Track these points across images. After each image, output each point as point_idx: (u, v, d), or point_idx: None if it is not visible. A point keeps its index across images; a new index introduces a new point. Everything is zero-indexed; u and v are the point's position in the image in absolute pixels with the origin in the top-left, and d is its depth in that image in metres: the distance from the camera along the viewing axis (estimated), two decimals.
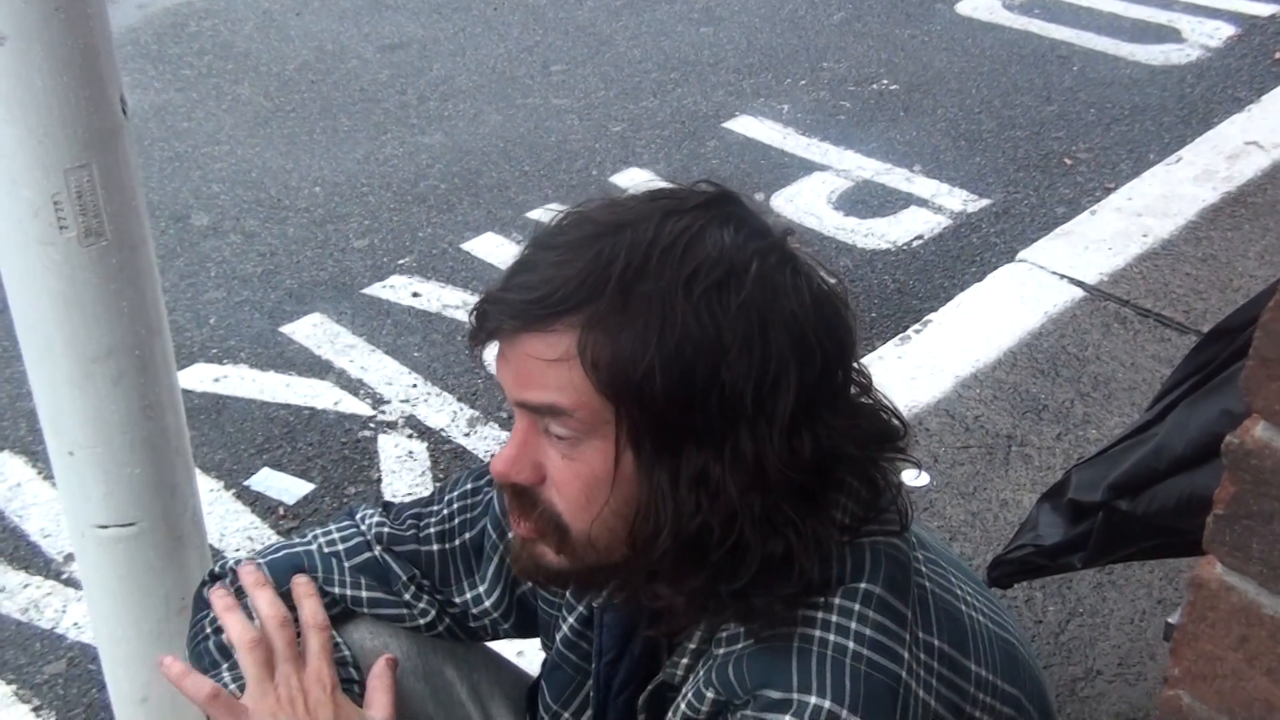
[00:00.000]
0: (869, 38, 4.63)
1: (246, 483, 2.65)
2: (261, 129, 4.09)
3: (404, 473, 2.66)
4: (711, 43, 4.64)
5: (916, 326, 2.93)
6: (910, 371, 2.74)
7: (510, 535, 1.10)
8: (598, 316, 0.88)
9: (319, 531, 1.26)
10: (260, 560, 1.24)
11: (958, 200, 3.59)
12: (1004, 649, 1.03)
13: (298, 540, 1.26)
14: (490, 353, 0.96)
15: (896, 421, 1.00)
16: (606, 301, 0.88)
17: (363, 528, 1.25)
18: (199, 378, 2.95)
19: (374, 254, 3.42)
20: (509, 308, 0.91)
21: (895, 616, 0.93)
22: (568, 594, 1.15)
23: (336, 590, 1.22)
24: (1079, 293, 3.00)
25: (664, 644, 1.06)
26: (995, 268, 3.17)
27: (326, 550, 1.23)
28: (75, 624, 2.32)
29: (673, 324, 0.87)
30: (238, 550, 2.48)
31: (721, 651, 0.95)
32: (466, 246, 3.45)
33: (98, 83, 1.27)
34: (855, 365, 0.97)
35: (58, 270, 1.35)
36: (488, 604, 1.22)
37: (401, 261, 3.38)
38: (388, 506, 1.27)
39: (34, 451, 2.69)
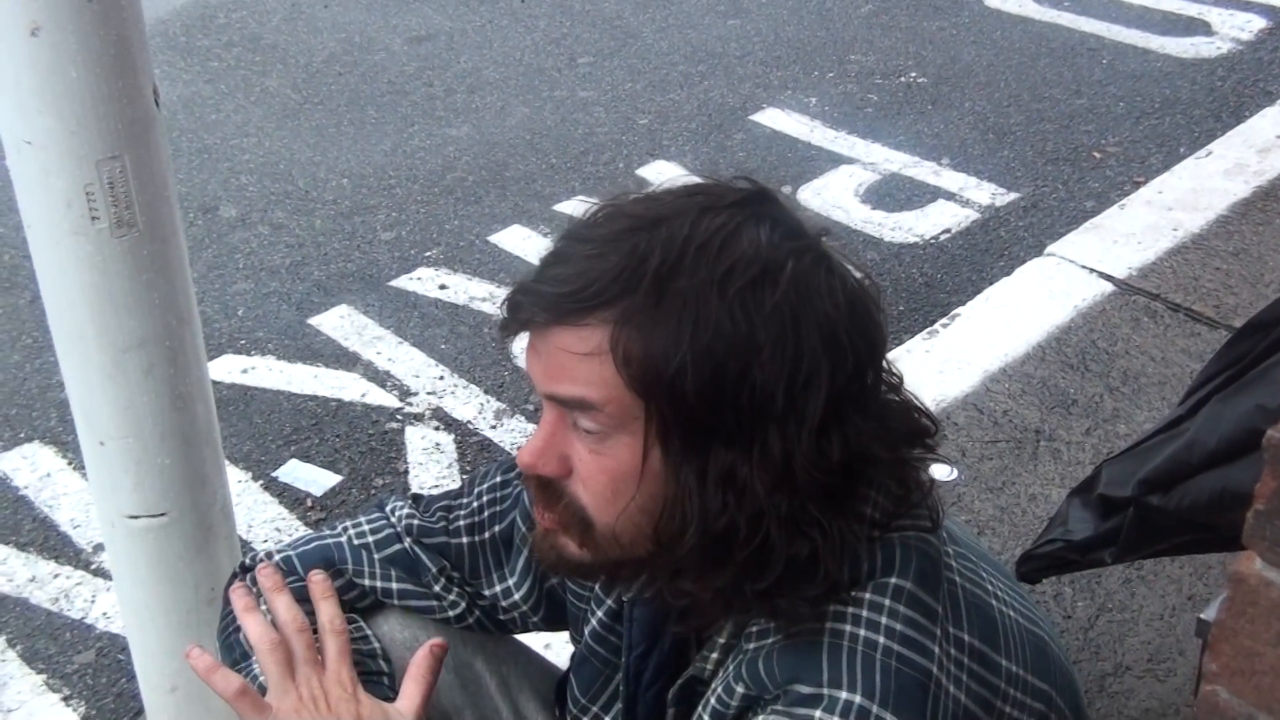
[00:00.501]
0: (897, 30, 4.61)
1: (274, 474, 2.66)
2: (289, 121, 4.10)
3: (431, 465, 2.67)
4: (739, 35, 4.62)
5: (944, 320, 2.91)
6: (938, 366, 2.72)
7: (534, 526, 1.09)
8: (631, 312, 0.87)
9: (349, 524, 1.27)
10: (291, 552, 1.25)
11: (986, 194, 3.57)
12: (1035, 644, 1.02)
13: (328, 532, 1.27)
14: (519, 344, 0.96)
15: (927, 420, 0.99)
16: (640, 297, 0.87)
17: (392, 520, 1.26)
18: (227, 369, 2.96)
19: (401, 246, 3.43)
20: (542, 299, 0.90)
21: (926, 611, 0.93)
22: (596, 587, 1.15)
23: (366, 582, 1.23)
24: (1108, 287, 2.97)
25: (693, 638, 1.06)
26: (1024, 262, 3.15)
27: (357, 542, 1.24)
28: (105, 614, 2.34)
29: (706, 322, 0.86)
30: (265, 542, 2.49)
31: (751, 646, 0.95)
32: (494, 239, 3.45)
33: (130, 74, 1.27)
34: (885, 364, 0.97)
35: (89, 261, 1.35)
36: (517, 596, 1.22)
37: (428, 254, 3.39)
38: (417, 499, 1.28)
39: (64, 442, 2.71)
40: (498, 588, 1.22)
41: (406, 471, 2.65)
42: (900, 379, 0.99)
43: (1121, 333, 2.81)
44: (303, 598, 1.23)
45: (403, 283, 3.27)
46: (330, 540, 1.24)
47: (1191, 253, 3.08)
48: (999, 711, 0.96)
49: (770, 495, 0.89)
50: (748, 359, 0.87)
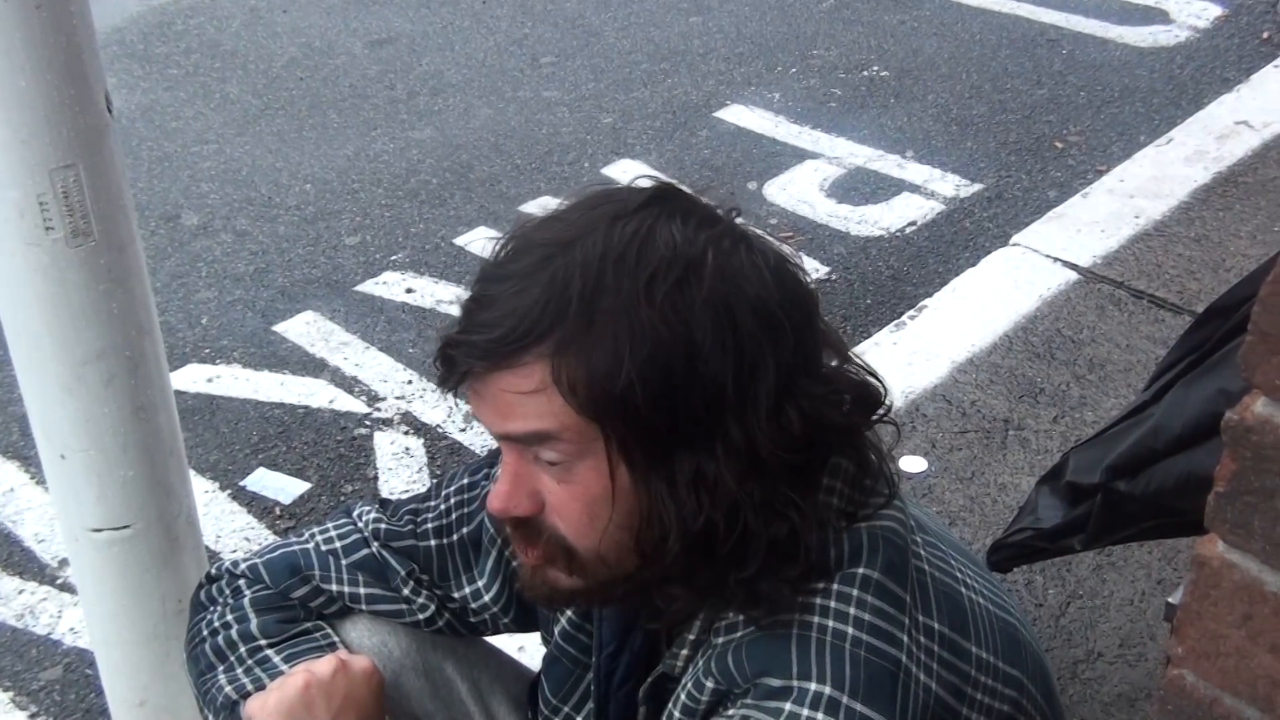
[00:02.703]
0: (858, 24, 4.62)
1: (242, 483, 2.64)
2: (250, 127, 4.07)
3: (400, 469, 2.65)
4: (701, 32, 4.62)
5: (911, 312, 2.92)
6: (906, 358, 2.73)
7: (518, 564, 1.08)
8: (566, 341, 0.87)
9: (316, 530, 1.26)
10: (257, 560, 1.24)
11: (950, 185, 3.58)
12: (1005, 631, 1.02)
13: (294, 540, 1.25)
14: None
15: (870, 377, 0.99)
16: (571, 324, 0.87)
17: (359, 525, 1.25)
18: (192, 378, 2.94)
19: (366, 251, 3.41)
20: (474, 349, 0.90)
21: (894, 601, 0.93)
22: None
23: (334, 588, 1.22)
24: (1073, 275, 2.99)
25: (664, 635, 1.06)
26: (989, 252, 3.16)
27: (324, 549, 1.23)
28: (71, 629, 2.31)
29: (642, 333, 0.86)
30: (234, 551, 2.47)
31: (720, 640, 0.95)
32: (459, 241, 3.43)
33: (82, 81, 1.25)
34: (822, 324, 0.97)
35: (45, 272, 1.33)
36: (487, 598, 1.21)
37: (394, 258, 3.37)
38: (385, 503, 1.27)
39: (26, 456, 2.67)
40: (467, 589, 1.22)
41: (376, 477, 2.63)
42: (838, 336, 0.99)
43: (1087, 321, 2.83)
44: (270, 606, 1.22)
45: (368, 287, 3.25)
46: (297, 547, 1.23)
47: (1154, 240, 3.11)
48: (970, 699, 0.96)
49: (741, 484, 0.89)
50: (691, 359, 0.87)
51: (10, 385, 2.82)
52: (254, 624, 1.19)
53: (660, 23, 4.70)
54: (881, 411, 0.99)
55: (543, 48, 4.55)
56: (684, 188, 0.96)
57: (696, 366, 0.87)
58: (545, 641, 1.21)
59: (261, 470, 2.68)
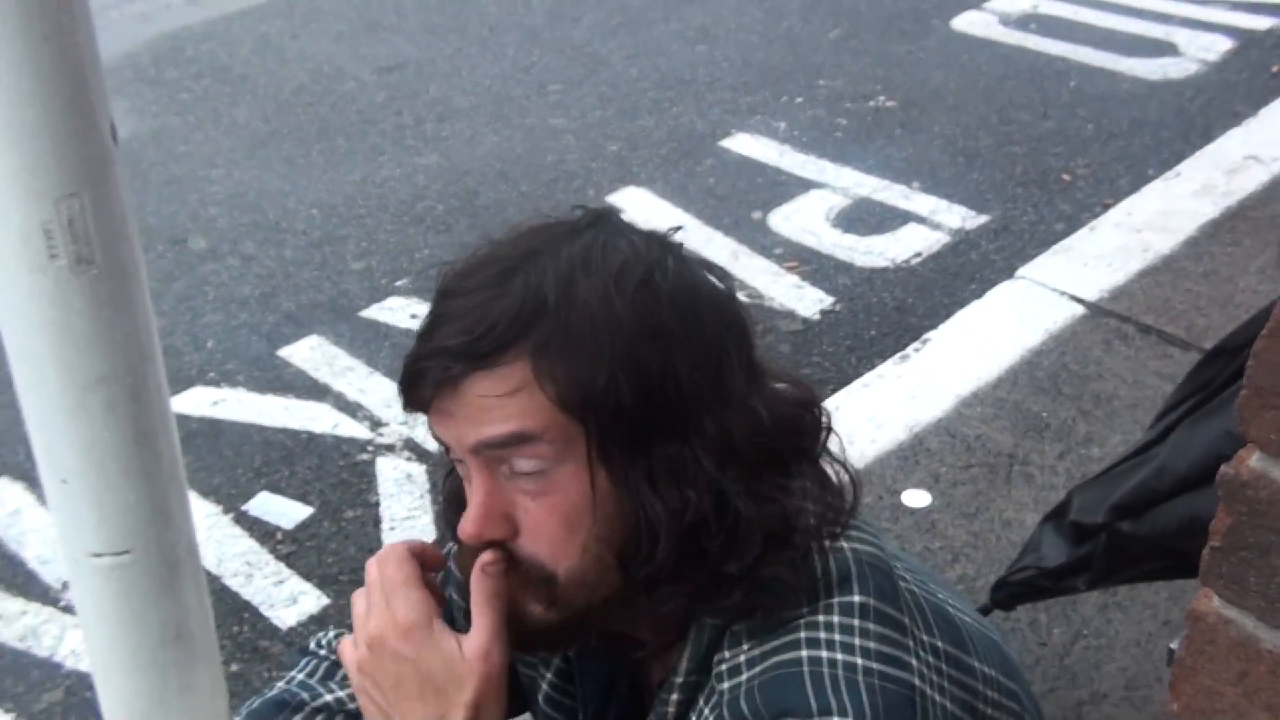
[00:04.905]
0: (865, 54, 4.63)
1: (244, 507, 2.64)
2: (259, 151, 4.08)
3: (402, 495, 2.64)
4: (707, 61, 4.64)
5: (916, 345, 2.92)
6: (910, 390, 2.73)
7: None
8: (545, 339, 0.88)
9: (282, 681, 1.23)
10: (239, 718, 1.21)
11: (956, 217, 3.58)
12: (993, 646, 1.03)
13: (268, 690, 1.23)
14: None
15: (807, 388, 1.01)
16: (550, 322, 0.88)
17: (322, 652, 1.23)
18: (197, 401, 2.94)
19: (372, 276, 3.41)
20: (449, 354, 0.89)
21: (894, 624, 0.92)
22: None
23: (329, 698, 1.19)
24: (1079, 309, 2.98)
25: (653, 681, 1.04)
26: (994, 285, 3.16)
27: (301, 679, 1.21)
28: (73, 651, 2.30)
29: (618, 328, 0.88)
30: (235, 575, 2.46)
31: (727, 686, 0.93)
32: None
33: (88, 111, 1.25)
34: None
35: (49, 298, 1.33)
36: None
37: (399, 283, 3.38)
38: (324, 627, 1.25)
39: (32, 478, 2.67)
40: None
41: (378, 503, 2.63)
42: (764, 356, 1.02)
43: (1093, 355, 2.82)
44: None
45: (374, 312, 3.25)
46: (273, 691, 1.21)
47: (1162, 274, 3.10)
48: (981, 714, 0.96)
49: (723, 472, 0.90)
50: (665, 351, 0.89)
51: (16, 406, 2.82)
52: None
53: (667, 51, 4.72)
54: (825, 423, 1.00)
55: (549, 75, 4.57)
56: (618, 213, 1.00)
57: (671, 357, 0.89)
58: (533, 713, 1.19)
59: (264, 494, 2.67)
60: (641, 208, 3.69)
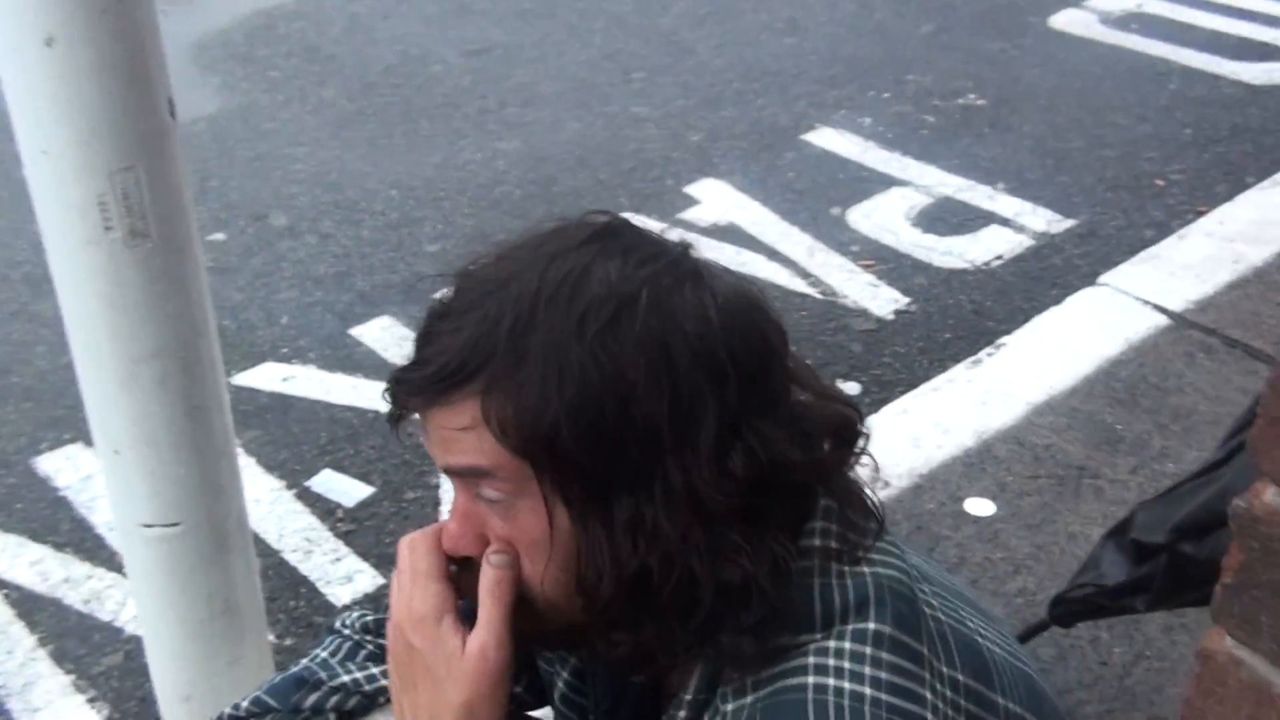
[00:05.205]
0: (957, 51, 4.54)
1: (308, 483, 2.67)
2: (343, 131, 4.13)
3: None
4: (795, 53, 4.58)
5: (990, 349, 2.85)
6: (981, 396, 2.66)
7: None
8: (495, 379, 0.86)
9: (306, 657, 1.25)
10: (258, 692, 1.22)
11: (1041, 220, 3.49)
12: (1025, 681, 0.98)
13: (292, 667, 1.24)
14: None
15: (848, 409, 0.95)
16: (500, 362, 0.85)
17: (346, 631, 1.24)
18: (268, 377, 2.98)
19: (446, 259, 3.43)
20: (410, 386, 0.90)
21: (910, 655, 0.89)
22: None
23: (346, 679, 1.20)
24: (1163, 320, 2.89)
25: (672, 690, 1.02)
26: (1076, 291, 3.07)
27: (322, 658, 1.22)
28: (134, 617, 2.35)
29: (570, 372, 0.84)
30: (294, 551, 2.49)
31: (730, 708, 0.91)
32: None
33: (145, 85, 1.27)
34: (791, 361, 0.93)
35: (103, 271, 1.35)
36: None
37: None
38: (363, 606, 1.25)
39: None
40: None
41: (438, 485, 2.64)
42: (811, 371, 0.95)
43: (1174, 368, 2.73)
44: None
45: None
46: (295, 668, 1.22)
47: (1252, 287, 2.99)
48: None
49: (682, 529, 0.86)
50: (623, 399, 0.84)
51: None
52: None
53: (754, 42, 4.67)
54: (861, 445, 0.95)
55: (635, 63, 4.55)
56: (633, 225, 0.94)
57: (629, 408, 0.84)
58: (552, 707, 1.19)
59: (327, 472, 2.70)
60: (719, 200, 3.66)
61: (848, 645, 0.88)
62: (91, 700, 2.20)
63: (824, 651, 0.88)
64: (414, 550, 0.98)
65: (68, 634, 2.32)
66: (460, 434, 0.88)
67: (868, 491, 0.95)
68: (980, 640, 0.95)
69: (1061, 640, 2.04)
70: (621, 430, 0.84)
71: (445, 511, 2.58)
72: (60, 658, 2.27)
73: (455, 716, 0.92)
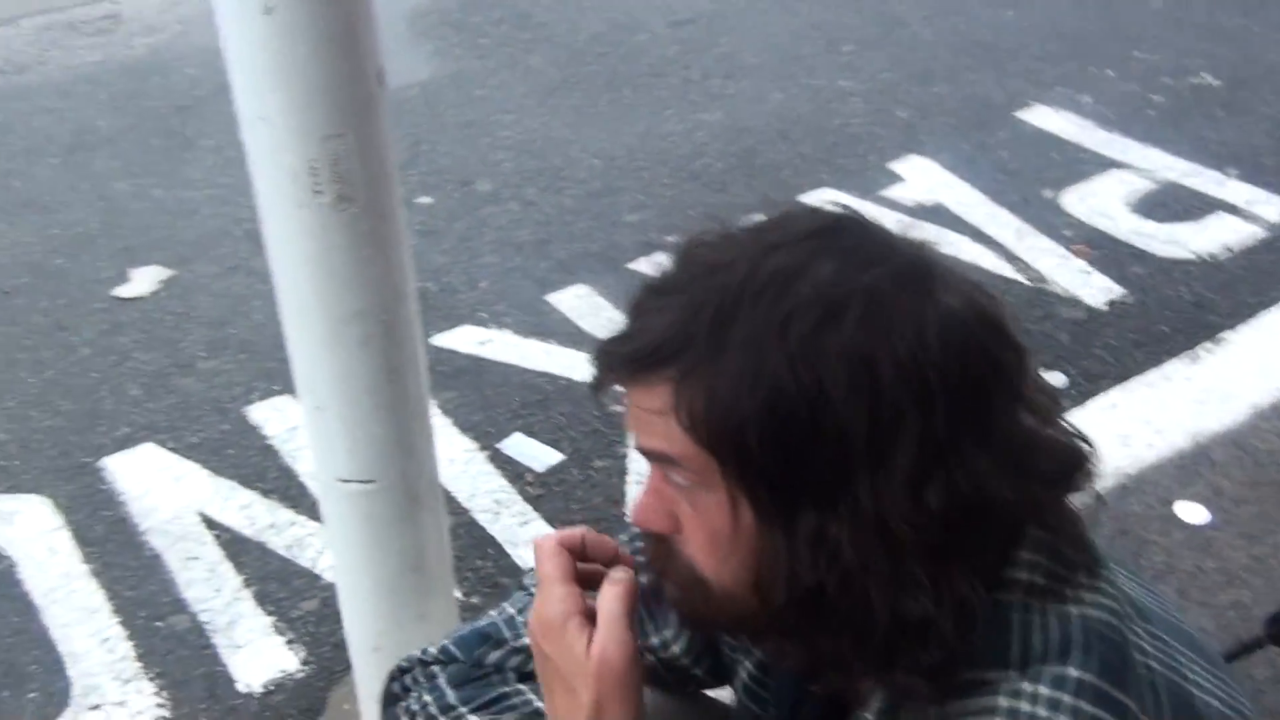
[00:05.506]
0: (1190, 26, 4.27)
1: (499, 446, 2.72)
2: (549, 99, 4.18)
3: None
4: (1013, 26, 4.40)
5: (1210, 345, 2.68)
6: (1198, 394, 2.51)
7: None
8: (691, 367, 0.82)
9: (495, 610, 1.25)
10: (446, 641, 1.23)
11: (1275, 210, 3.26)
12: None
13: (481, 619, 1.25)
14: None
15: (1080, 443, 0.88)
16: (699, 350, 0.82)
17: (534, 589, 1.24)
18: (465, 339, 3.05)
19: (644, 230, 3.43)
20: (611, 360, 0.88)
21: (1112, 706, 0.82)
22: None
23: (528, 640, 1.21)
24: None
25: (855, 702, 0.98)
26: None
27: (509, 615, 1.22)
28: (330, 566, 2.44)
29: (766, 372, 0.80)
30: (484, 512, 2.55)
31: None
32: None
33: (356, 55, 1.30)
34: (1027, 386, 0.85)
35: (311, 233, 1.40)
36: (676, 649, 1.17)
37: (670, 239, 3.37)
38: None
39: None
40: (654, 639, 1.18)
41: (625, 455, 2.65)
42: (1050, 398, 0.88)
43: None
44: (466, 679, 1.20)
45: (641, 265, 3.27)
46: (484, 621, 1.23)
47: None
48: None
49: (865, 555, 0.81)
50: (816, 409, 0.79)
51: None
52: (451, 697, 1.18)
53: (969, 14, 4.51)
54: (1087, 483, 0.87)
55: (843, 34, 4.45)
56: (864, 222, 0.88)
57: (822, 420, 0.79)
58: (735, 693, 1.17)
59: (518, 436, 2.75)
60: (925, 178, 3.54)
61: (1045, 690, 0.82)
62: (290, 642, 2.30)
63: (1017, 694, 0.82)
64: (539, 555, 0.99)
65: (270, 577, 2.43)
66: (653, 416, 0.85)
67: (1083, 526, 0.88)
68: (1197, 695, 0.88)
69: (1278, 661, 1.91)
70: (811, 442, 0.80)
71: (631, 481, 2.59)
72: (263, 599, 2.38)
73: (587, 716, 0.92)
